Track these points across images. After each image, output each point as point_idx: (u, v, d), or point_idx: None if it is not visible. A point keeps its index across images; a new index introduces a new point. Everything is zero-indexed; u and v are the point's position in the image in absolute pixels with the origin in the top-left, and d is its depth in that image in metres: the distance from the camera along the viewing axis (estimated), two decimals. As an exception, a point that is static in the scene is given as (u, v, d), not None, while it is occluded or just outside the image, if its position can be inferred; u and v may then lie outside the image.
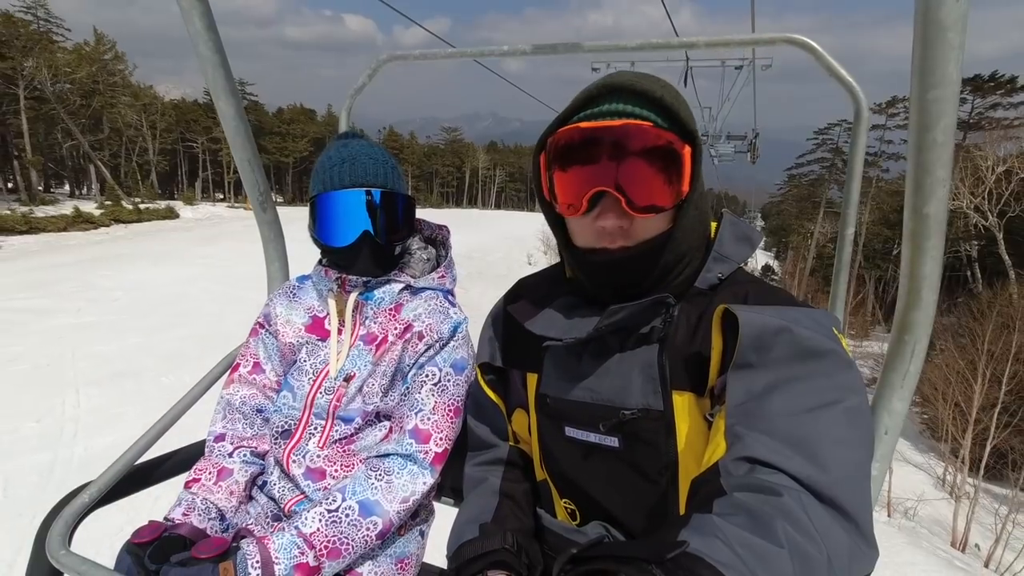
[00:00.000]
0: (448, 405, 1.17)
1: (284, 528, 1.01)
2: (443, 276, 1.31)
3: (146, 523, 1.01)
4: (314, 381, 1.21)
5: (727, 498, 0.62)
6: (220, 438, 1.26)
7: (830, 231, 41.24)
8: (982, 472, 13.94)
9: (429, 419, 1.14)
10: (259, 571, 0.93)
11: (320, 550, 1.00)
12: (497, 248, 26.61)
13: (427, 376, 1.18)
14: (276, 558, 0.96)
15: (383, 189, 1.19)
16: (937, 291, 0.87)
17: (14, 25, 31.16)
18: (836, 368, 0.72)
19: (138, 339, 8.86)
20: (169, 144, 48.58)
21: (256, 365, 1.31)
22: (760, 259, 50.90)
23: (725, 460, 0.68)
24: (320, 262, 1.30)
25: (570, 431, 0.93)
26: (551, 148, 0.85)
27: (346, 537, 1.03)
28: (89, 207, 28.50)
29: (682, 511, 0.84)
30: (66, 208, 27.33)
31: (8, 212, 23.61)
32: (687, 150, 0.81)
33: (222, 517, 1.18)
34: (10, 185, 33.94)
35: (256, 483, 1.27)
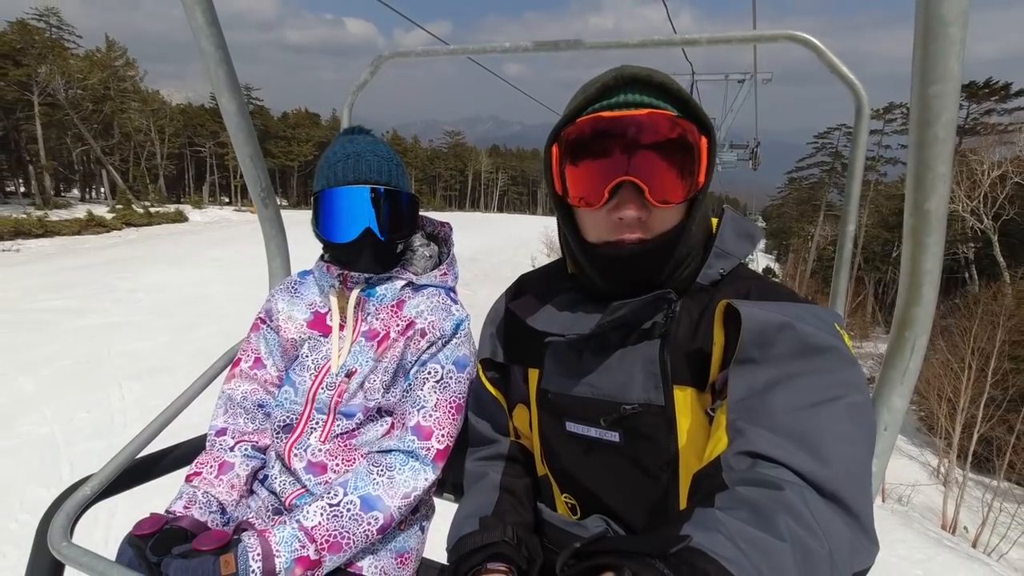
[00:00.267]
0: (450, 402, 1.17)
1: (285, 521, 1.01)
2: (445, 273, 1.31)
3: (147, 515, 1.02)
4: (316, 376, 1.21)
5: (729, 492, 0.62)
6: (221, 432, 1.26)
7: (830, 234, 41.69)
8: (970, 459, 14.89)
9: (431, 416, 1.15)
10: (260, 564, 0.93)
11: (321, 544, 1.00)
12: (501, 251, 27.08)
13: (429, 373, 1.18)
14: (277, 551, 0.96)
15: (387, 186, 1.19)
16: (937, 287, 0.86)
17: (29, 33, 31.87)
18: (838, 364, 0.72)
19: (167, 337, 9.38)
20: (177, 148, 49.22)
21: (257, 360, 1.31)
22: (761, 261, 51.28)
23: (727, 454, 0.68)
24: (322, 258, 1.30)
25: (571, 426, 0.93)
26: (567, 140, 0.84)
27: (347, 531, 1.03)
28: (101, 211, 29.05)
29: (682, 506, 0.84)
30: (79, 212, 27.94)
31: (24, 216, 24.21)
32: (704, 141, 0.82)
33: (223, 510, 1.18)
34: (22, 189, 34.58)
35: (257, 477, 1.27)
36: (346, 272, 1.23)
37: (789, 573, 0.53)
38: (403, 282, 1.26)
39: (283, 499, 1.18)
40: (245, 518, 1.18)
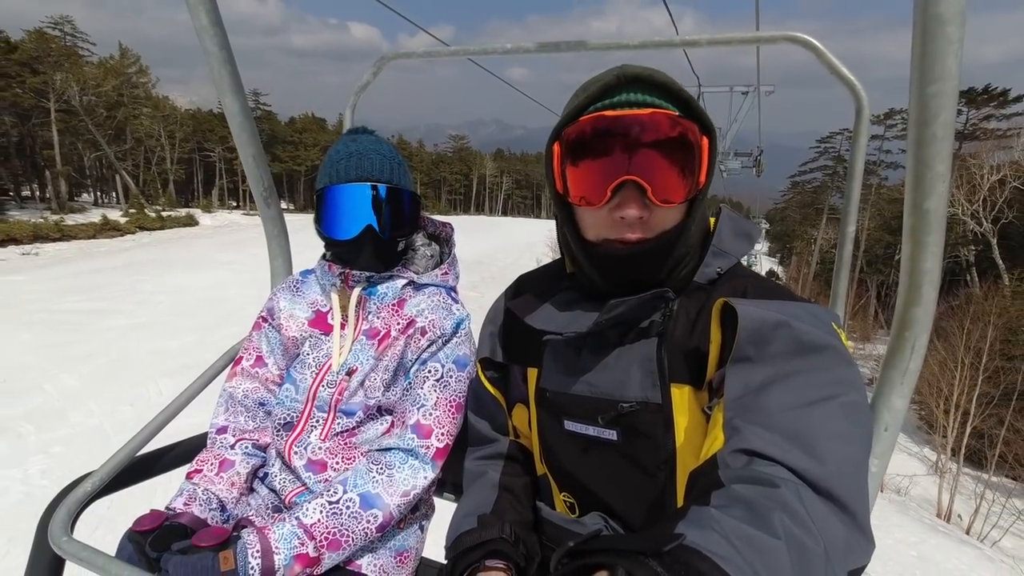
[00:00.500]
0: (450, 401, 1.17)
1: (285, 518, 1.01)
2: (446, 273, 1.32)
3: (147, 512, 1.02)
4: (317, 374, 1.22)
5: (725, 490, 0.62)
6: (222, 430, 1.27)
7: (833, 237, 42.01)
8: (963, 450, 16.20)
9: (431, 414, 1.15)
10: (259, 560, 0.94)
11: (320, 541, 1.00)
12: (507, 254, 27.55)
13: (429, 372, 1.18)
14: (276, 548, 0.96)
15: (388, 184, 1.20)
16: (938, 287, 0.86)
17: (46, 42, 32.68)
18: (834, 363, 0.72)
19: (193, 337, 9.84)
20: (186, 153, 50.00)
21: (259, 359, 1.32)
22: (765, 264, 51.60)
23: (723, 452, 0.68)
24: (324, 256, 1.30)
25: (569, 425, 0.93)
26: (568, 138, 0.84)
27: (346, 529, 1.03)
28: (114, 215, 29.70)
29: (679, 503, 0.84)
30: (94, 216, 28.61)
31: (42, 220, 24.84)
32: (705, 141, 0.82)
33: (223, 508, 1.18)
34: (36, 194, 35.30)
35: (257, 475, 1.28)
36: (347, 271, 1.24)
37: (784, 570, 0.53)
38: (404, 281, 1.27)
39: (283, 497, 1.19)
40: (245, 515, 1.18)
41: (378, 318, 1.24)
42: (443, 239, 1.40)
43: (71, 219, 27.11)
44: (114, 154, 38.47)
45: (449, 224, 1.39)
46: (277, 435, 1.24)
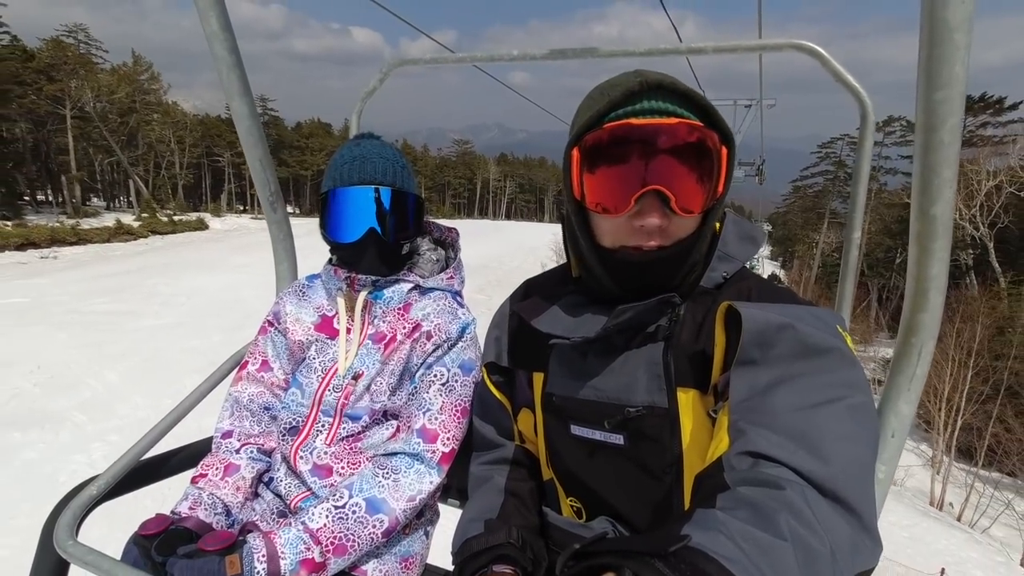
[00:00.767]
0: (455, 405, 1.18)
1: (291, 523, 1.01)
2: (452, 277, 1.32)
3: (153, 516, 1.02)
4: (323, 379, 1.22)
5: (730, 492, 0.62)
6: (227, 435, 1.27)
7: (835, 241, 42.52)
8: (955, 441, 17.75)
9: (436, 419, 1.15)
10: (265, 565, 0.94)
11: (326, 546, 1.00)
12: (512, 258, 28.06)
13: (435, 376, 1.19)
14: (282, 552, 0.96)
15: (392, 188, 1.20)
16: (944, 293, 0.86)
17: (62, 50, 33.48)
18: (839, 365, 0.73)
19: (220, 337, 10.31)
20: (195, 158, 50.78)
21: (264, 363, 1.32)
22: (767, 268, 52.07)
23: (728, 455, 0.68)
24: (330, 261, 1.31)
25: (575, 429, 0.94)
26: (590, 144, 0.84)
27: (352, 534, 1.03)
28: (127, 219, 30.33)
29: (687, 507, 0.82)
30: (107, 220, 29.25)
31: (58, 224, 25.47)
32: (724, 151, 0.82)
33: (228, 512, 1.18)
34: (50, 199, 36.05)
35: (262, 480, 1.28)
36: (353, 275, 1.24)
37: (791, 572, 0.53)
38: (410, 285, 1.27)
39: (288, 502, 1.19)
40: (250, 520, 1.18)
41: (384, 322, 1.25)
42: (449, 244, 1.41)
43: (85, 223, 27.72)
44: (127, 159, 39.24)
45: (454, 229, 1.41)
46: (282, 440, 1.24)
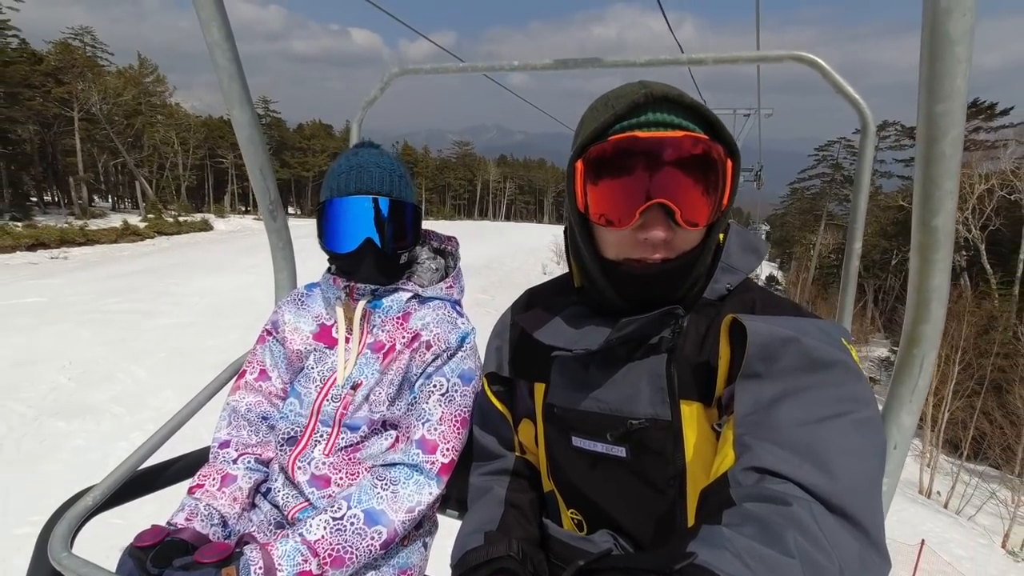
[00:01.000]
0: (455, 416, 1.17)
1: (288, 535, 1.01)
2: (451, 286, 1.32)
3: (148, 527, 1.01)
4: (321, 388, 1.22)
5: (736, 508, 0.62)
6: (225, 444, 1.27)
7: (832, 243, 43.12)
8: (941, 432, 19.37)
9: (436, 429, 1.15)
10: None
11: (324, 558, 1.00)
12: (513, 259, 28.57)
13: (435, 386, 1.19)
14: (279, 565, 0.96)
15: (390, 197, 1.20)
16: (946, 304, 0.86)
17: (70, 53, 33.96)
18: (845, 379, 0.72)
19: (237, 335, 10.58)
20: (198, 160, 51.18)
21: (262, 372, 1.32)
22: (765, 269, 52.65)
23: (734, 470, 0.68)
24: (329, 270, 1.31)
25: (577, 441, 0.93)
26: (594, 157, 0.83)
27: (350, 546, 1.03)
28: (133, 220, 30.69)
29: (690, 521, 0.84)
30: (114, 221, 29.58)
31: (67, 225, 25.85)
32: (730, 164, 0.82)
33: (225, 523, 1.18)
34: (56, 200, 36.49)
35: (260, 490, 1.27)
36: (352, 284, 1.24)
37: None
38: (409, 294, 1.27)
39: (286, 513, 1.18)
40: (247, 531, 1.17)
41: (383, 331, 1.25)
42: (448, 253, 1.41)
43: (93, 224, 28.04)
44: (132, 161, 39.70)
45: (454, 238, 1.41)
46: (280, 450, 1.24)
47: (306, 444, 1.21)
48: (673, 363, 0.86)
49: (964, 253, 30.42)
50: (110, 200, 43.59)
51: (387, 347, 1.23)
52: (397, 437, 1.23)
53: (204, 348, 9.78)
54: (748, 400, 0.73)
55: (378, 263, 1.23)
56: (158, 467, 1.31)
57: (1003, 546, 13.70)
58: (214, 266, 19.34)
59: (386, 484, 1.10)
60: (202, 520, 1.14)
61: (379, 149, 1.29)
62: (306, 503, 1.17)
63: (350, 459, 1.20)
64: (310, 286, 1.39)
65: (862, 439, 0.68)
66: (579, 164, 0.85)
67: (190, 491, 1.21)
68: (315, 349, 1.27)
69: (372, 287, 1.24)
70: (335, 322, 1.28)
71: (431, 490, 1.13)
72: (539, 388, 1.02)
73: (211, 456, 1.28)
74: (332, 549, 1.02)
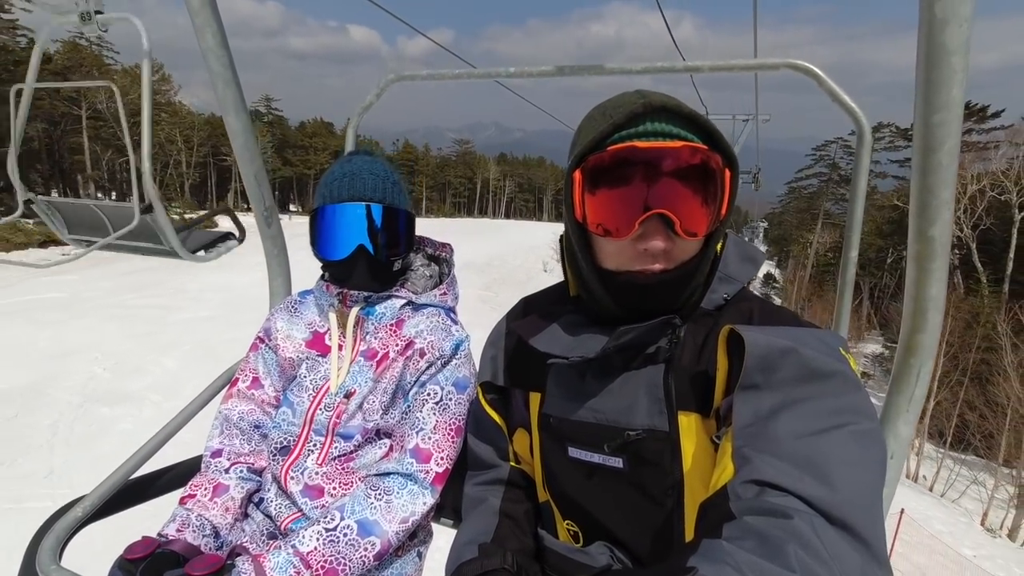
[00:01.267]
0: (449, 424, 1.17)
1: (280, 546, 1.00)
2: (445, 293, 1.32)
3: (139, 539, 1.00)
4: (314, 397, 1.21)
5: (737, 522, 0.61)
6: (217, 454, 1.25)
7: (828, 241, 43.76)
8: (927, 419, 20.79)
9: (430, 438, 1.14)
10: None
11: (317, 570, 0.99)
12: (514, 257, 29.03)
13: (429, 394, 1.18)
14: None
15: (382, 204, 1.20)
16: (943, 313, 0.85)
17: (79, 52, 34.37)
18: (844, 389, 0.72)
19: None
20: (201, 158, 51.54)
21: (255, 380, 1.31)
22: (762, 267, 53.29)
23: (734, 483, 0.67)
24: (322, 277, 1.30)
25: (573, 452, 0.92)
26: (592, 166, 0.83)
27: (343, 557, 1.02)
28: (141, 217, 31.16)
29: (687, 532, 0.84)
30: (122, 219, 29.99)
31: (77, 223, 26.25)
32: (728, 174, 0.82)
33: (216, 534, 1.16)
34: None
35: (252, 500, 1.26)
36: (345, 291, 1.24)
37: None
38: (402, 301, 1.27)
39: (278, 523, 1.17)
40: (239, 542, 1.17)
41: (376, 338, 1.24)
42: (442, 260, 1.40)
43: (102, 221, 28.53)
44: (138, 159, 40.05)
45: (448, 245, 1.41)
46: (273, 459, 1.23)
47: (299, 454, 1.20)
48: (671, 373, 0.86)
49: (956, 252, 31.17)
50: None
51: (380, 355, 1.23)
52: (391, 446, 1.23)
53: (225, 341, 10.18)
54: (747, 411, 0.73)
55: (371, 270, 1.23)
56: (149, 477, 1.30)
57: (982, 523, 14.67)
58: (224, 263, 19.40)
59: (380, 494, 1.10)
60: (194, 531, 1.13)
61: (373, 156, 1.29)
62: (299, 513, 1.16)
63: (344, 468, 1.19)
64: (304, 293, 1.39)
65: (862, 450, 0.68)
66: (577, 174, 0.85)
67: (182, 501, 1.20)
68: (308, 357, 1.27)
69: (365, 294, 1.24)
70: (328, 329, 1.27)
71: (425, 500, 1.13)
72: (535, 398, 1.02)
73: (203, 465, 1.26)
74: (325, 561, 1.00)
